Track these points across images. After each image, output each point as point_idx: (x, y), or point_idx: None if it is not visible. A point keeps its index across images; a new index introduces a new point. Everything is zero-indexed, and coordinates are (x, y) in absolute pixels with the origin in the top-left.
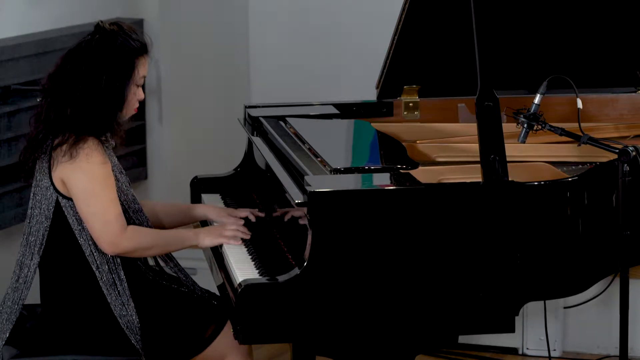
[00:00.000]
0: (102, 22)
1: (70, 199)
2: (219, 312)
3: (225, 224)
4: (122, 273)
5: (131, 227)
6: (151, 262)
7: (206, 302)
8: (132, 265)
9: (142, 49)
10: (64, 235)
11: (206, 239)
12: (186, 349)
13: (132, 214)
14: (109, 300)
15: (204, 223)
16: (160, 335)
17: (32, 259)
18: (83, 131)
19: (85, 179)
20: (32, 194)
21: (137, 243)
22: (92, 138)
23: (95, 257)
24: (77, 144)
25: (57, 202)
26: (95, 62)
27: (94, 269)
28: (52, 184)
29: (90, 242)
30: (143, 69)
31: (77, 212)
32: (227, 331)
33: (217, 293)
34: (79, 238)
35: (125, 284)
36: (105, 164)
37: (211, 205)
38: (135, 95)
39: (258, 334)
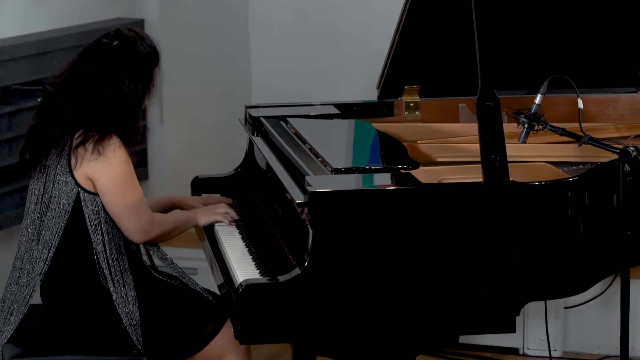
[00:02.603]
0: (121, 28)
1: (92, 193)
2: (218, 311)
3: (216, 205)
4: (129, 270)
5: (155, 214)
6: (150, 263)
7: (206, 300)
8: (136, 263)
9: (157, 59)
10: (75, 231)
11: (202, 217)
12: (185, 348)
13: None
14: (114, 297)
15: None
16: (160, 333)
17: (49, 251)
18: (108, 129)
19: (115, 175)
20: (40, 191)
21: (164, 228)
22: (115, 136)
23: (107, 253)
24: (103, 141)
25: (77, 197)
26: (118, 68)
27: (103, 265)
28: (75, 180)
29: (103, 237)
30: (157, 79)
31: (96, 207)
32: (226, 330)
33: (218, 292)
34: (92, 233)
35: (132, 282)
36: (130, 161)
37: (189, 196)
38: (149, 102)
39: (258, 334)
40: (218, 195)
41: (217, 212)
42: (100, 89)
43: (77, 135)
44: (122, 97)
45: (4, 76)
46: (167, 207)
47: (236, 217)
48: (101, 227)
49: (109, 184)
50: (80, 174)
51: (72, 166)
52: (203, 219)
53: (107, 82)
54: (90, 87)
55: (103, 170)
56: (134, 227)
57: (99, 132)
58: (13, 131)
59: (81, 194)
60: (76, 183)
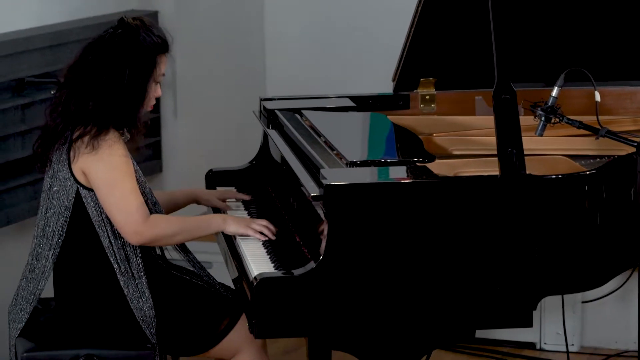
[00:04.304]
0: (125, 16)
1: (91, 190)
2: (234, 305)
3: (254, 220)
4: (141, 265)
5: (154, 215)
6: (168, 256)
7: (221, 295)
8: (149, 258)
9: (164, 47)
10: (82, 227)
11: (232, 225)
12: (200, 343)
13: (151, 206)
14: (125, 293)
15: (217, 209)
16: (175, 328)
17: (50, 249)
18: (105, 123)
19: (107, 170)
20: (47, 185)
21: (161, 230)
22: (113, 130)
23: (115, 249)
24: (99, 136)
25: (77, 193)
26: (118, 56)
27: (112, 261)
28: (72, 174)
29: (109, 234)
30: (163, 66)
31: (97, 203)
32: (242, 325)
33: (232, 286)
34: (98, 229)
35: (144, 277)
36: (127, 156)
37: (205, 190)
38: (154, 92)
39: (273, 328)
40: (234, 189)
41: (253, 227)
42: (101, 80)
43: (77, 128)
44: (123, 87)
45: (17, 68)
46: (180, 202)
47: (272, 237)
48: (105, 224)
49: (97, 180)
50: (77, 168)
51: (70, 160)
52: (233, 228)
53: (107, 72)
54: (91, 78)
55: (94, 164)
56: (122, 226)
57: (96, 126)
58: (26, 124)
59: (81, 191)
60: (75, 179)
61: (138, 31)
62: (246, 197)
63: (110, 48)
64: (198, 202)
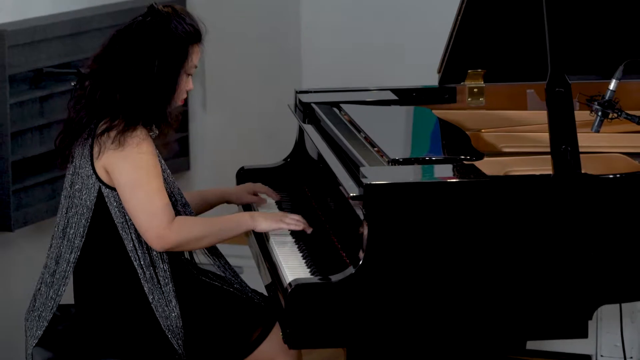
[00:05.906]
0: (155, 4)
1: (113, 189)
2: (267, 313)
3: (286, 214)
4: (168, 271)
5: (179, 217)
6: (197, 260)
7: (253, 302)
8: (177, 263)
9: (196, 36)
10: (104, 228)
11: (264, 222)
12: (231, 353)
13: (180, 208)
14: (150, 300)
15: (247, 207)
16: (204, 338)
17: (71, 252)
18: (134, 119)
19: (131, 169)
20: (69, 183)
21: (187, 234)
22: (141, 127)
23: (139, 253)
24: (127, 132)
25: (100, 192)
26: (147, 46)
27: (136, 265)
28: (95, 172)
29: (133, 236)
30: (196, 57)
31: (120, 204)
32: (275, 334)
33: (265, 293)
34: (121, 231)
35: (171, 283)
36: (154, 155)
37: (234, 187)
38: (185, 84)
39: (309, 338)
40: (261, 184)
41: (286, 221)
42: (128, 70)
43: (102, 122)
44: (152, 78)
45: (35, 58)
46: (211, 202)
47: (308, 230)
48: (129, 226)
49: (121, 179)
50: (100, 165)
51: (94, 156)
52: (264, 225)
53: (136, 62)
54: (119, 68)
55: (118, 162)
56: (144, 230)
57: (124, 121)
58: (45, 117)
59: (103, 190)
60: (97, 177)
61: (169, 19)
62: (276, 197)
63: (138, 37)
64: (229, 201)
